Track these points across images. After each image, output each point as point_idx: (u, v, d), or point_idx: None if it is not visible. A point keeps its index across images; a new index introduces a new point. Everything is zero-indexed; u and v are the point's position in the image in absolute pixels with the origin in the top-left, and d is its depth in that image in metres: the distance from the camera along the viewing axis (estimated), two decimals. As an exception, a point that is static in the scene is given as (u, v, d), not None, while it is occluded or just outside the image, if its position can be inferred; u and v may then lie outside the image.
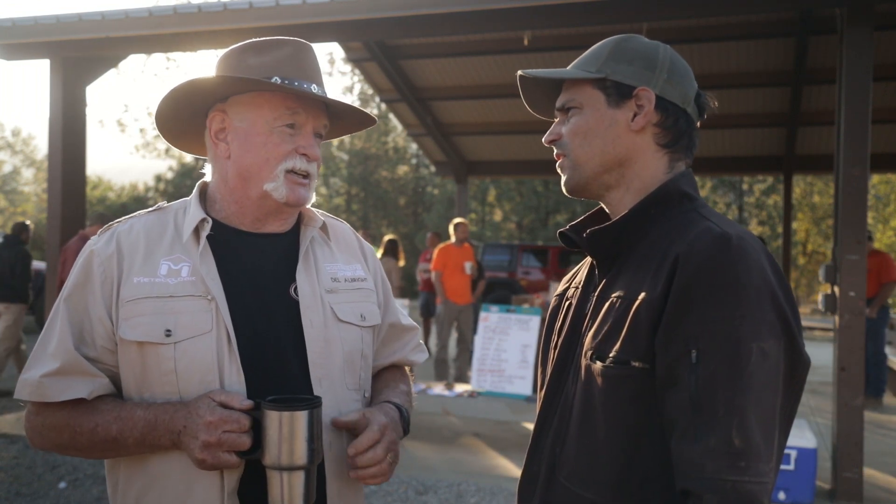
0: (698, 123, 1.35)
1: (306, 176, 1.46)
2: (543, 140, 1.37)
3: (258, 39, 1.48)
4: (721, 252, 1.13)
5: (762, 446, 1.07)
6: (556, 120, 1.37)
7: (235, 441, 1.28)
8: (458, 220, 9.15)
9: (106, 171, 34.48)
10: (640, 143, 1.29)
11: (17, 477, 5.07)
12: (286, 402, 1.31)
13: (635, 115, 1.28)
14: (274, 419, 1.28)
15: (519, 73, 1.37)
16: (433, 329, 11.01)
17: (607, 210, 1.37)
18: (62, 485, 4.93)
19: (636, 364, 1.16)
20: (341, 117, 1.56)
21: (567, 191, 1.35)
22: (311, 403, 1.31)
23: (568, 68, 1.35)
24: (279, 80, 1.41)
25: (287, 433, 1.28)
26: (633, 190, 1.30)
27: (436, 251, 8.89)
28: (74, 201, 6.79)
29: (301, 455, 1.29)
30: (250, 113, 1.44)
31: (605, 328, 1.22)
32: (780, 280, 1.15)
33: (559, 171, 1.35)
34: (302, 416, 1.29)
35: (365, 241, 1.69)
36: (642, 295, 1.17)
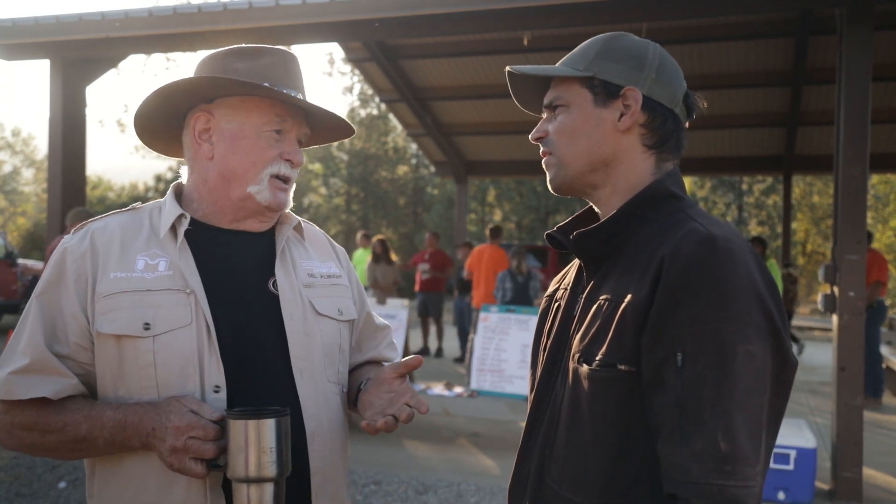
0: (687, 124, 1.34)
1: (287, 181, 1.49)
2: (530, 137, 1.36)
3: (243, 45, 1.49)
4: (707, 253, 1.12)
5: (749, 449, 1.06)
6: (544, 117, 1.36)
7: (200, 448, 1.26)
8: (496, 225, 9.98)
9: (106, 171, 34.48)
10: (626, 143, 1.28)
11: (17, 477, 5.07)
12: (252, 413, 1.26)
13: (622, 115, 1.27)
14: (239, 428, 1.23)
15: (507, 68, 1.37)
16: (432, 328, 11.04)
17: (596, 209, 1.36)
18: (62, 485, 4.93)
19: (623, 367, 1.15)
20: (320, 126, 1.59)
21: (553, 189, 1.35)
22: (278, 413, 1.26)
23: (557, 65, 1.34)
24: (269, 87, 1.42)
25: (254, 443, 1.23)
26: (619, 190, 1.29)
27: (495, 254, 9.42)
28: (74, 201, 6.78)
29: (269, 466, 1.23)
30: (238, 116, 1.45)
31: (593, 331, 1.21)
32: (767, 281, 1.14)
33: (545, 168, 1.35)
34: (269, 425, 1.24)
35: (336, 243, 1.72)
36: (629, 297, 1.16)
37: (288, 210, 1.57)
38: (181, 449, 1.26)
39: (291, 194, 1.52)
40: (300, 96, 1.47)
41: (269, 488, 1.25)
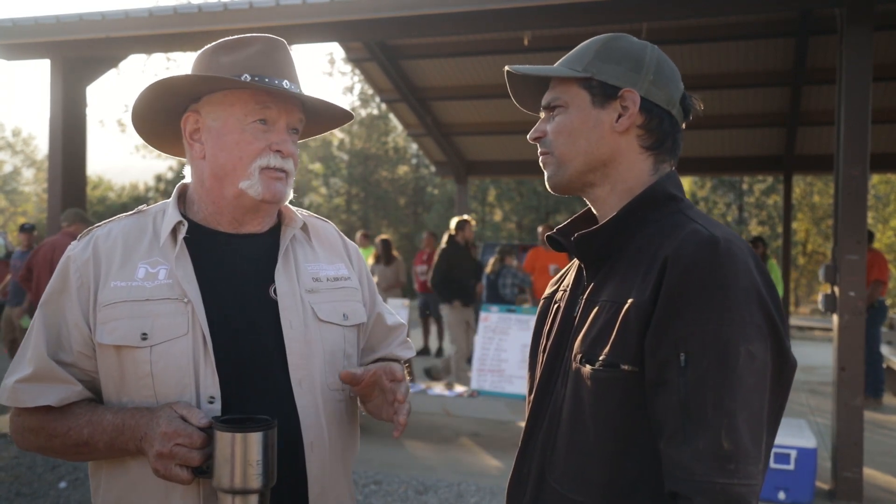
0: (683, 125, 1.35)
1: (282, 171, 1.44)
2: (528, 137, 1.37)
3: (230, 38, 1.46)
4: (709, 255, 1.13)
5: (751, 448, 1.08)
6: (542, 117, 1.36)
7: (185, 455, 1.26)
8: (549, 225, 10.07)
9: (106, 171, 34.46)
10: (623, 144, 1.29)
11: (18, 477, 5.07)
12: (240, 422, 1.25)
13: (620, 117, 1.28)
14: (225, 440, 1.23)
15: (506, 68, 1.37)
16: (433, 329, 11.04)
17: (593, 209, 1.37)
18: (62, 485, 4.93)
19: (626, 367, 1.16)
20: (320, 112, 1.54)
21: (550, 187, 1.35)
22: (266, 425, 1.25)
23: (555, 66, 1.35)
24: (249, 77, 1.39)
25: (240, 455, 1.22)
26: (617, 190, 1.30)
27: (528, 254, 9.53)
28: (74, 201, 6.78)
29: (255, 478, 1.23)
30: (222, 112, 1.43)
31: (595, 331, 1.21)
32: (767, 282, 1.16)
33: (542, 166, 1.35)
34: (256, 438, 1.23)
35: (349, 240, 1.68)
36: (631, 298, 1.17)
37: (293, 207, 1.54)
38: (167, 455, 1.26)
39: (290, 186, 1.47)
40: (286, 83, 1.41)
41: (253, 499, 1.25)
